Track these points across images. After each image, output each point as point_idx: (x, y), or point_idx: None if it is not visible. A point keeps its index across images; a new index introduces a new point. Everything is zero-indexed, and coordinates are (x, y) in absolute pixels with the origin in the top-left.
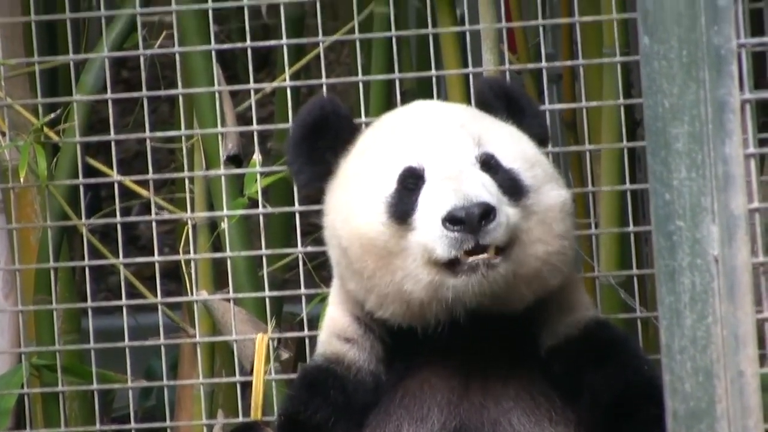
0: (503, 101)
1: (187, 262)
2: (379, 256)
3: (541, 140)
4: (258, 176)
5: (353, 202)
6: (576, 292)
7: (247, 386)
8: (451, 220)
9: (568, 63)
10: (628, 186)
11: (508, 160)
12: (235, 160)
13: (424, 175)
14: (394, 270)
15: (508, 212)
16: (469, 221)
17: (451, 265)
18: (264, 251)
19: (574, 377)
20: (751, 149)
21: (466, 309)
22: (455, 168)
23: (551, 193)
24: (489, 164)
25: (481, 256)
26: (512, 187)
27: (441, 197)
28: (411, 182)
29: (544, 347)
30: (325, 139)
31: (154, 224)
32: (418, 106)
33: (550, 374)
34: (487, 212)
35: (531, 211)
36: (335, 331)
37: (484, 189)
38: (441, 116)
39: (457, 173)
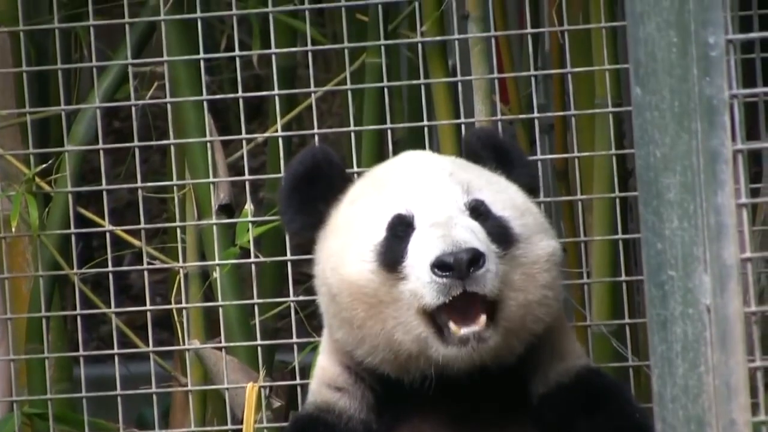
0: (492, 152)
1: (179, 311)
2: (369, 304)
3: (531, 190)
4: (250, 226)
5: (343, 250)
6: (567, 340)
7: None
8: (440, 266)
9: (560, 113)
10: (620, 236)
11: (498, 207)
12: (227, 210)
13: (414, 222)
14: (385, 318)
15: (496, 262)
16: (457, 267)
17: (441, 331)
18: (256, 300)
19: (565, 425)
20: (743, 199)
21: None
22: (444, 214)
23: (541, 244)
24: (479, 210)
25: (472, 329)
26: (502, 235)
27: (430, 243)
28: (400, 230)
29: (536, 395)
30: (317, 189)
31: (146, 273)
32: (409, 156)
33: (542, 422)
34: (476, 258)
35: (518, 262)
36: (325, 380)
37: (474, 235)
38: (430, 165)
39: (446, 219)
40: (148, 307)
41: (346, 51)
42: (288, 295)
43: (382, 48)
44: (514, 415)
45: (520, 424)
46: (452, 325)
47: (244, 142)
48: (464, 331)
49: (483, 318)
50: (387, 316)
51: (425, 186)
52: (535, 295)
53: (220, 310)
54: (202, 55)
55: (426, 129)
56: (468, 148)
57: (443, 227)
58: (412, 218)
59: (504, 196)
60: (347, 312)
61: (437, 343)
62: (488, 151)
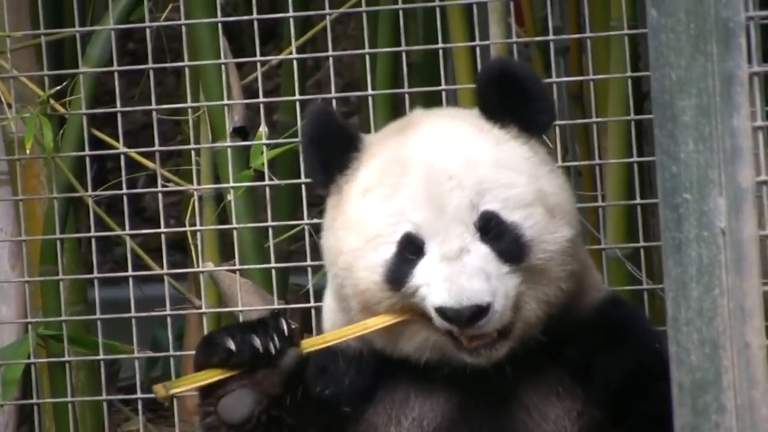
0: (506, 88)
1: (193, 233)
2: (376, 314)
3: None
4: (264, 148)
5: (355, 256)
6: (587, 276)
7: None
8: (442, 315)
9: (576, 36)
10: (635, 159)
11: (508, 211)
12: (242, 133)
13: (424, 248)
14: (398, 332)
15: (507, 287)
16: (458, 320)
17: (454, 337)
18: (270, 223)
19: (585, 359)
20: (759, 122)
21: None
22: (455, 245)
23: (553, 237)
24: (489, 227)
25: (481, 342)
26: (514, 251)
27: (436, 286)
28: (411, 250)
29: (556, 330)
30: (326, 151)
31: (160, 196)
32: (420, 135)
33: (563, 359)
34: (479, 313)
35: (532, 267)
36: (335, 323)
37: (482, 278)
38: (440, 162)
39: (457, 252)
40: (163, 229)
41: None
42: (302, 218)
43: None
44: (533, 354)
45: (537, 353)
46: (463, 339)
47: (258, 65)
48: (475, 344)
49: (494, 335)
50: (398, 331)
51: (434, 199)
52: (552, 288)
53: (235, 232)
54: None
55: (441, 51)
56: (482, 93)
57: (452, 267)
58: (423, 243)
59: (513, 193)
60: (359, 316)
61: (453, 349)
62: (502, 89)
